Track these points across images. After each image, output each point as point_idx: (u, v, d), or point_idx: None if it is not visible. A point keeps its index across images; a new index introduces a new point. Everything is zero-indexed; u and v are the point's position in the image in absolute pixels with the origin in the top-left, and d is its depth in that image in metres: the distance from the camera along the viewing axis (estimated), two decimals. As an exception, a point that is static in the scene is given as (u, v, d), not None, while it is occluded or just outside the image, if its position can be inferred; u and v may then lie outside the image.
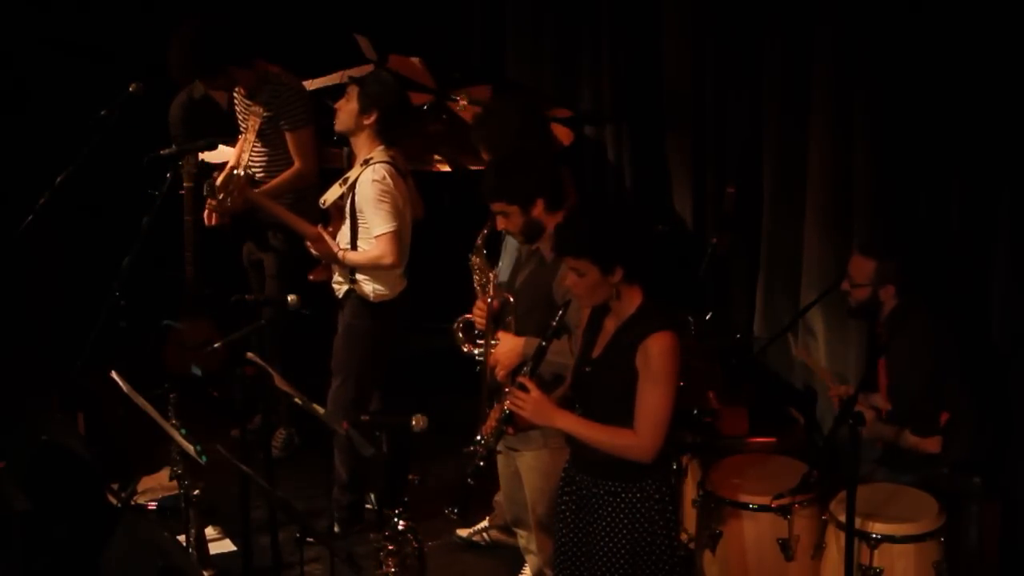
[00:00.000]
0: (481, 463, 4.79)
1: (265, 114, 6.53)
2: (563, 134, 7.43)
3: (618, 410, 4.55)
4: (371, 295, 6.02)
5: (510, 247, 5.44)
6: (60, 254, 7.69)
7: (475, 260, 5.46)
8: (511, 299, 5.24)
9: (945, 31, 5.64)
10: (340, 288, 6.09)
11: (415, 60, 7.75)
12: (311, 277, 6.25)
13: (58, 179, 6.43)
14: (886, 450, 5.53)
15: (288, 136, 6.53)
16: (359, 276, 6.02)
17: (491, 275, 5.32)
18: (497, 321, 5.26)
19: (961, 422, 5.39)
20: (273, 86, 6.57)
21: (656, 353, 4.49)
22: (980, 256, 5.65)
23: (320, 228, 6.01)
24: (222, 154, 6.73)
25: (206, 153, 6.75)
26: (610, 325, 4.65)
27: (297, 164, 6.57)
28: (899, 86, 5.88)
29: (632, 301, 4.60)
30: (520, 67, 8.24)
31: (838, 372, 6.26)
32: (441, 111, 7.65)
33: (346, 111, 5.96)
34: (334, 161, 6.86)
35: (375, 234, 5.89)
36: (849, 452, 4.92)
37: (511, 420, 4.73)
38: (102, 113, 6.56)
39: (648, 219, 5.07)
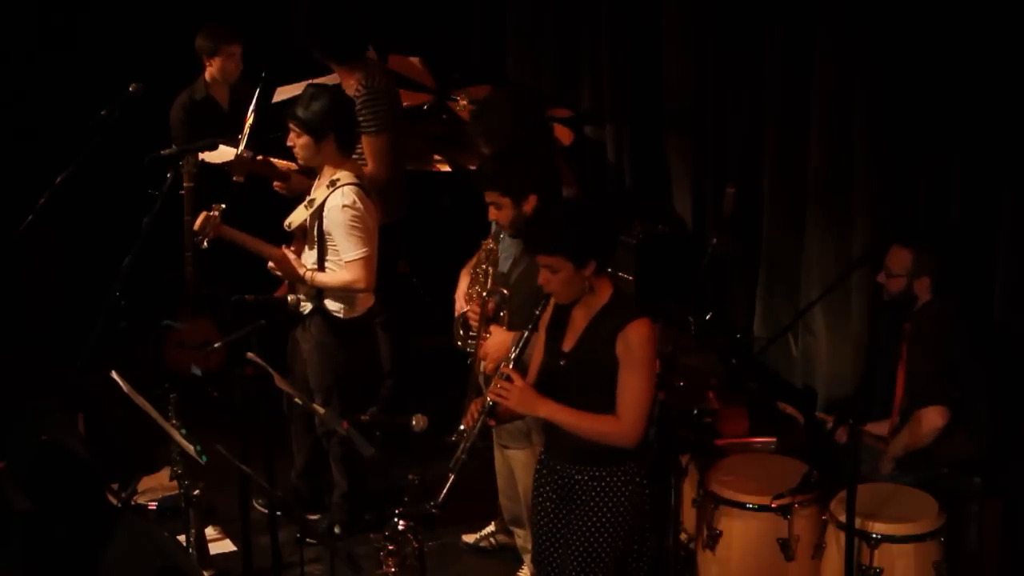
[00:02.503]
0: (463, 456, 4.77)
1: None
2: (563, 134, 7.43)
3: (598, 400, 4.58)
4: (340, 314, 5.97)
5: (506, 238, 5.43)
6: (60, 254, 7.69)
7: (488, 244, 5.41)
8: (506, 293, 5.24)
9: (944, 30, 5.64)
10: (305, 306, 6.04)
11: (415, 60, 7.75)
12: (276, 294, 6.24)
13: (58, 179, 6.43)
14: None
15: (363, 139, 6.56)
16: (327, 297, 5.97)
17: (488, 269, 5.30)
18: (491, 316, 5.27)
19: (974, 422, 5.38)
20: (356, 89, 6.59)
21: (636, 340, 4.54)
22: (981, 256, 5.65)
23: (284, 248, 5.97)
24: (222, 154, 6.73)
25: (206, 153, 6.75)
26: (579, 317, 4.67)
27: (368, 168, 6.58)
28: (899, 86, 5.88)
29: (604, 292, 4.64)
30: (520, 67, 8.25)
31: (839, 371, 6.27)
32: (441, 111, 7.65)
33: (301, 146, 5.86)
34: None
35: (346, 259, 5.82)
36: (849, 452, 4.92)
37: (493, 412, 4.73)
38: (102, 113, 6.56)
39: (609, 209, 5.04)
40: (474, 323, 5.30)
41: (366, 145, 6.59)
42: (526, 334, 4.76)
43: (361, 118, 6.54)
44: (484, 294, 5.32)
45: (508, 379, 4.66)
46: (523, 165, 5.13)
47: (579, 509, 4.69)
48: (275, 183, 6.48)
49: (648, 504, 4.74)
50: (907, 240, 5.51)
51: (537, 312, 4.73)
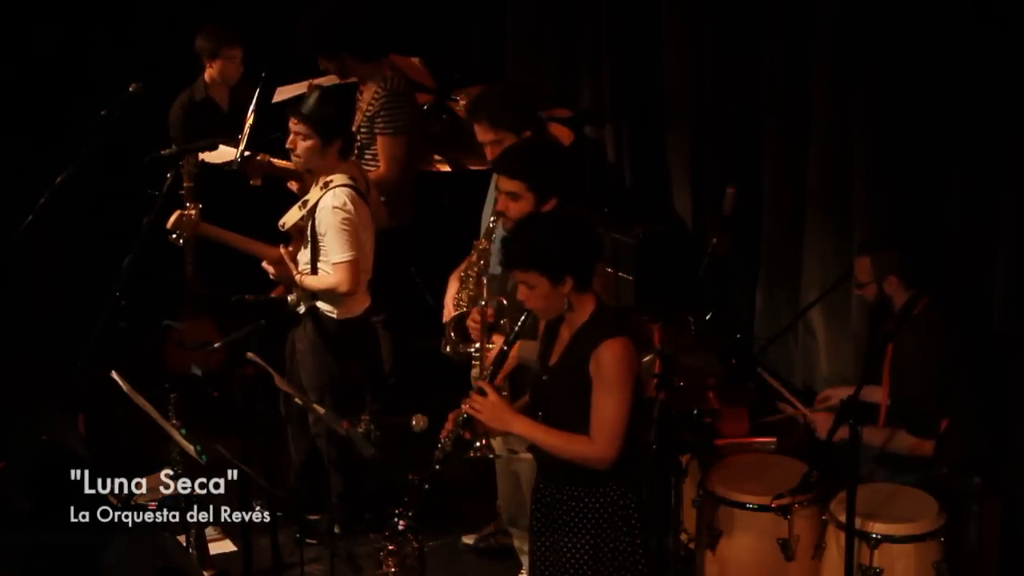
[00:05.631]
0: (437, 467, 4.75)
1: (366, 112, 6.56)
2: (563, 134, 7.43)
3: (575, 417, 4.50)
4: (335, 315, 5.96)
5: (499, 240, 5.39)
6: (60, 254, 7.69)
7: (481, 244, 5.37)
8: (504, 301, 5.22)
9: (944, 31, 5.64)
10: (302, 306, 6.03)
11: (415, 60, 7.75)
12: (273, 294, 6.24)
13: (58, 179, 6.43)
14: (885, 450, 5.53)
15: (379, 139, 6.54)
16: (320, 297, 5.96)
17: (483, 280, 5.28)
18: (492, 323, 5.24)
19: (963, 423, 5.38)
20: (378, 87, 6.57)
21: (608, 361, 4.43)
22: (981, 255, 5.65)
23: (282, 248, 5.95)
24: (222, 154, 6.73)
25: (206, 153, 6.75)
26: (565, 333, 4.61)
27: (380, 169, 6.57)
28: (898, 86, 5.88)
29: (585, 309, 4.54)
30: (520, 67, 8.26)
31: (839, 371, 6.28)
32: (441, 111, 7.65)
33: (305, 149, 5.78)
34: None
35: (332, 261, 5.80)
36: (849, 452, 4.92)
37: (469, 424, 4.70)
38: (102, 113, 6.57)
39: (595, 226, 4.98)
40: (475, 332, 5.26)
41: (381, 146, 6.59)
42: (505, 348, 4.71)
43: (379, 119, 6.54)
44: (482, 302, 5.28)
45: (482, 392, 4.61)
46: (556, 162, 5.06)
47: (560, 530, 4.62)
48: (289, 182, 6.47)
49: (638, 529, 4.59)
50: (861, 247, 5.56)
51: (516, 328, 4.68)
